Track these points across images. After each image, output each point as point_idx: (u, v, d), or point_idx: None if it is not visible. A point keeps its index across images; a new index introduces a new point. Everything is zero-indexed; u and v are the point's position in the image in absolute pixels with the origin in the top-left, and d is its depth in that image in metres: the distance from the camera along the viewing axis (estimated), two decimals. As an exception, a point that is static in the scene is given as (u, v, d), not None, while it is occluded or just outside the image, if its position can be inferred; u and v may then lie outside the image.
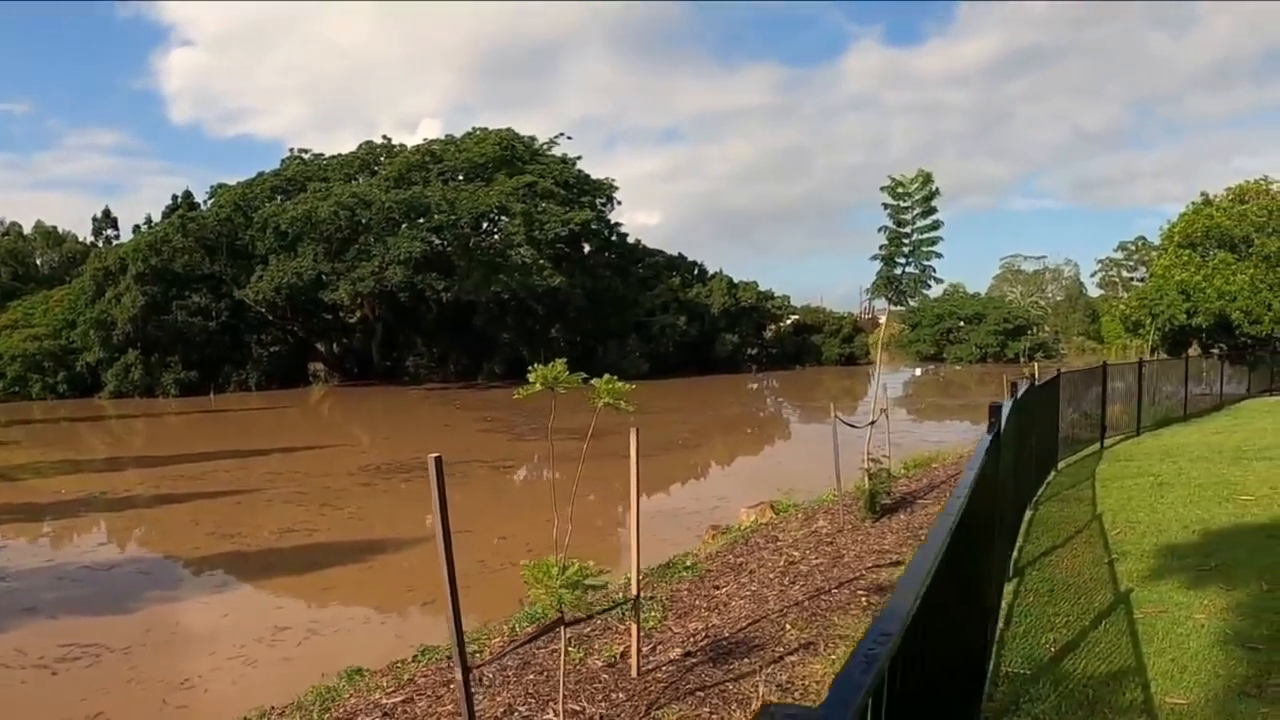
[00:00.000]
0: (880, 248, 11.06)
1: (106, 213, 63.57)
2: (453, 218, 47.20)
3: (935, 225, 11.01)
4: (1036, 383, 9.25)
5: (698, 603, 7.03)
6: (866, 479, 9.32)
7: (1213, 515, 7.91)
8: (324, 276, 47.26)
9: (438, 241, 47.41)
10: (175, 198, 53.80)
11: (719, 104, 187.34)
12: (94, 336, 45.62)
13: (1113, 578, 6.18)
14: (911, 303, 11.04)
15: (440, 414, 37.80)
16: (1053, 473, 11.27)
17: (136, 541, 16.28)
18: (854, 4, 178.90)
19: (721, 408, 40.20)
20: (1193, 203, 30.20)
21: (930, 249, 11.01)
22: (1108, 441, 14.59)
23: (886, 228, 10.94)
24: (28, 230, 72.45)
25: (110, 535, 16.70)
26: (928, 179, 10.95)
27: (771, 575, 7.33)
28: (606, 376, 4.23)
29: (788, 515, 10.48)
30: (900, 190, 11.01)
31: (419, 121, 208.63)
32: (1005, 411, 4.82)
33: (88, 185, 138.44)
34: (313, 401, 46.73)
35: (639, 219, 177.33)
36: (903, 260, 10.91)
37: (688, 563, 8.30)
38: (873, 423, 9.45)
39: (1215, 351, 28.46)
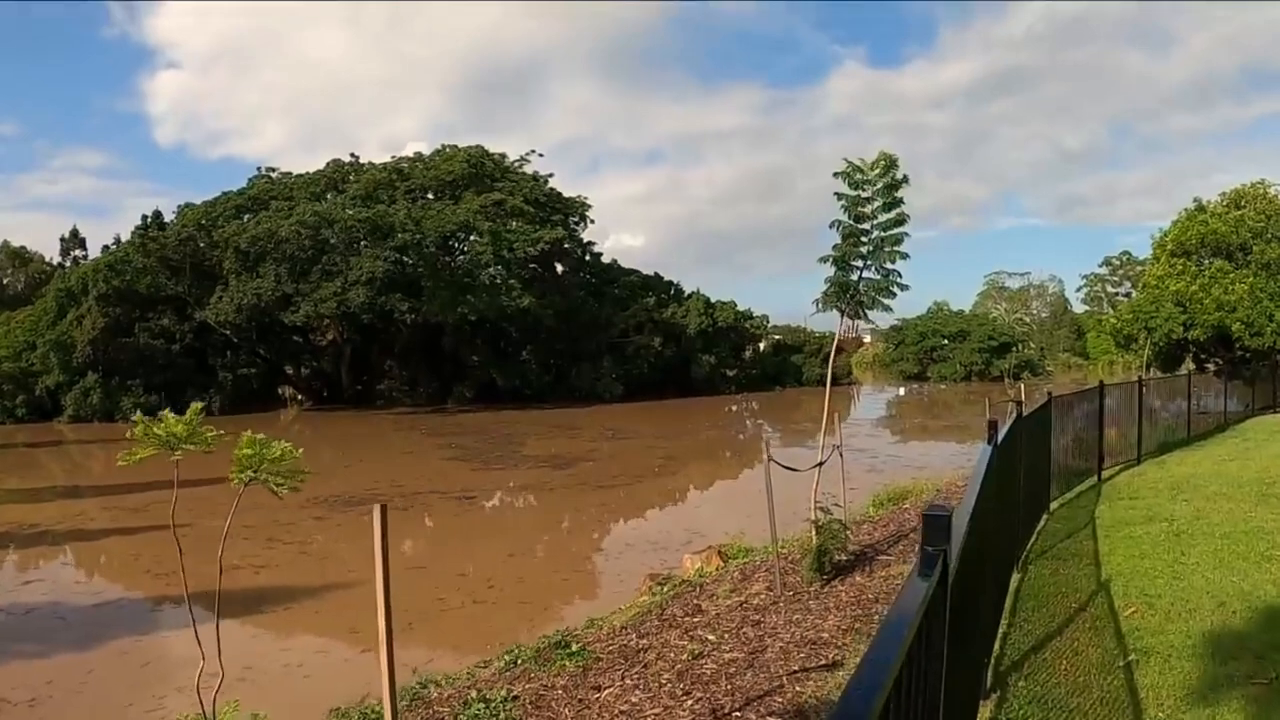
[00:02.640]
0: (833, 248, 9.16)
1: (74, 233, 61.88)
2: (418, 236, 45.45)
3: (900, 220, 9.07)
4: (1023, 410, 7.40)
5: (564, 711, 5.15)
6: (813, 533, 7.43)
7: (1254, 584, 6.04)
8: (290, 298, 45.34)
9: (407, 261, 45.56)
10: (145, 218, 51.89)
11: (701, 126, 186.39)
12: (54, 359, 43.81)
13: (1134, 698, 4.32)
14: (871, 315, 9.17)
15: (405, 440, 36.04)
16: (1044, 517, 9.35)
17: (66, 580, 14.71)
18: (837, 26, 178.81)
19: (699, 431, 38.33)
20: (1186, 209, 28.54)
21: (895, 249, 9.12)
22: (1106, 471, 12.75)
23: (840, 223, 9.03)
24: (-4, 251, 70.50)
25: (36, 574, 15.10)
26: (892, 163, 9.04)
27: (667, 676, 5.42)
28: (248, 434, 2.36)
29: (724, 572, 8.60)
30: (859, 177, 9.11)
31: (403, 145, 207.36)
32: (977, 479, 2.95)
33: (72, 207, 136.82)
34: (279, 427, 44.75)
35: (624, 241, 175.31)
36: (860, 263, 9.04)
37: (574, 647, 6.39)
38: (820, 464, 7.56)
39: (1210, 366, 26.93)
